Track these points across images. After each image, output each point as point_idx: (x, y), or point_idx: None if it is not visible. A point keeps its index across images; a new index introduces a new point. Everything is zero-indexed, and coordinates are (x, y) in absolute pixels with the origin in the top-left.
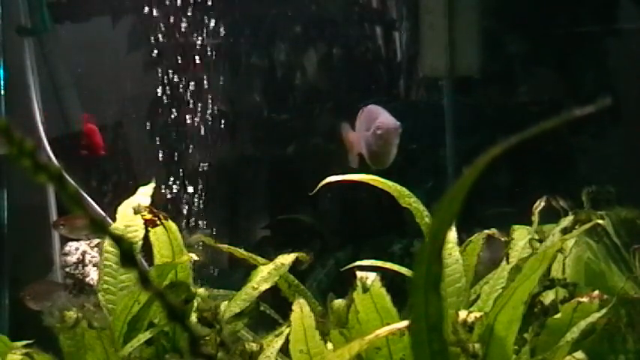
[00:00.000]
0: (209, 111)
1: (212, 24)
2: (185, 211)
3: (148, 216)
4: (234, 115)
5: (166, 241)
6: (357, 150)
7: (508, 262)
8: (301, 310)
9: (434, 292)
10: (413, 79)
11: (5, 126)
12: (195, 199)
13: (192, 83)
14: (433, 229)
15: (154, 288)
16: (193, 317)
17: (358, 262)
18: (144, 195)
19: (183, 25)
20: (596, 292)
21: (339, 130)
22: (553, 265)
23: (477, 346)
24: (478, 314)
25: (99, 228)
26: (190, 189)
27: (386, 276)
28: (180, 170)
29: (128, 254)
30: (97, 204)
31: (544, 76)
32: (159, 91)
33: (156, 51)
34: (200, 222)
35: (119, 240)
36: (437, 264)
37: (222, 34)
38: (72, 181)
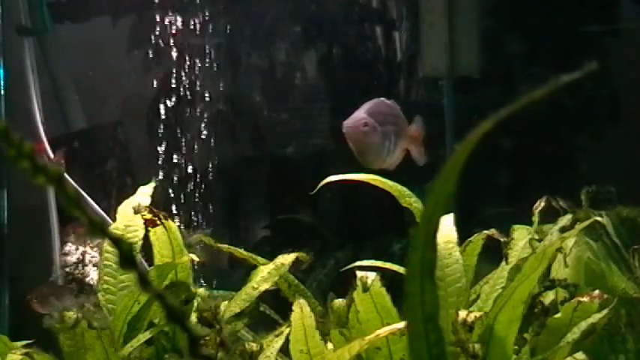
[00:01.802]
0: (209, 111)
1: (212, 24)
2: (185, 211)
3: (148, 216)
4: (234, 115)
5: (166, 241)
6: None
7: (508, 262)
8: (301, 310)
9: (429, 279)
10: (413, 79)
11: (4, 128)
12: (195, 199)
13: (191, 83)
14: (427, 212)
15: (153, 289)
16: (193, 317)
17: (358, 262)
18: (144, 195)
19: (183, 25)
20: (597, 292)
21: None
22: (553, 265)
23: (477, 346)
24: (478, 314)
25: (98, 229)
26: (190, 189)
27: (386, 276)
28: (180, 170)
29: (127, 255)
30: (97, 204)
31: (544, 76)
32: (158, 90)
33: (156, 51)
34: (200, 222)
35: (118, 241)
36: (431, 250)
37: (222, 34)
38: (72, 182)
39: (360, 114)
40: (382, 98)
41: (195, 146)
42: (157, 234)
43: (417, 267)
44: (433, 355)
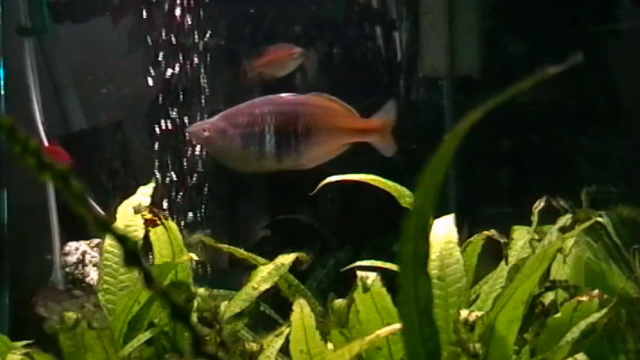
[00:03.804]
0: (208, 111)
1: (212, 24)
2: (185, 211)
3: (148, 216)
4: None
5: (166, 240)
6: None
7: (507, 263)
8: (301, 310)
9: (422, 272)
10: (413, 79)
11: (9, 123)
12: (195, 199)
13: (191, 83)
14: (417, 204)
15: (157, 287)
16: (193, 317)
17: (358, 262)
18: (144, 195)
19: (183, 24)
20: (596, 292)
21: None
22: (553, 265)
23: (477, 345)
24: (479, 313)
25: (103, 227)
26: (190, 189)
27: (386, 276)
28: (180, 170)
29: (132, 253)
30: (97, 204)
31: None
32: (158, 90)
33: (155, 51)
34: (200, 222)
35: (123, 239)
36: (423, 242)
37: (221, 34)
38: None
39: (209, 119)
40: (269, 96)
41: (196, 146)
42: (157, 234)
43: (410, 259)
44: (428, 349)
